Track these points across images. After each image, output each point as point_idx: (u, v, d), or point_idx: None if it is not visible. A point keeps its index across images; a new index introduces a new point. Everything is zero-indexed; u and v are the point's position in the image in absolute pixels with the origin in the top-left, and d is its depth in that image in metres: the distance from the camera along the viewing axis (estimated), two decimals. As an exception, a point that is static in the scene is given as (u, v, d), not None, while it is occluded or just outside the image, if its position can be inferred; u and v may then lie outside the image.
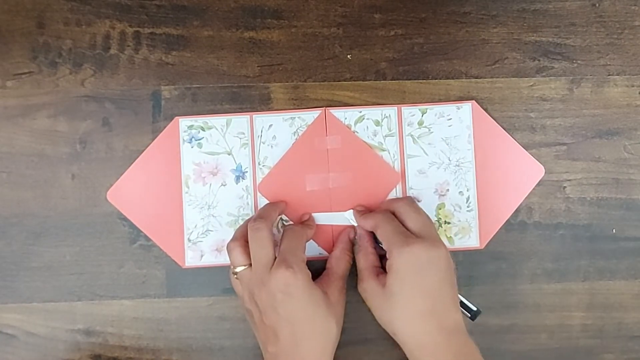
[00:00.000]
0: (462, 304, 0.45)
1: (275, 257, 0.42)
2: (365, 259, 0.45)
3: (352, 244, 0.48)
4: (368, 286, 0.43)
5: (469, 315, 0.45)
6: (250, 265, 0.43)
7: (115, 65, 0.49)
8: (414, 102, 0.50)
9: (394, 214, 0.45)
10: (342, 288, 0.45)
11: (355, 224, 0.48)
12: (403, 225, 0.44)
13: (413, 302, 0.41)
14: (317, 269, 0.46)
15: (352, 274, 0.48)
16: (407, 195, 0.49)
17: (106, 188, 0.48)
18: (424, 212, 0.45)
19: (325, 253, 0.48)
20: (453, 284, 0.42)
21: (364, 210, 0.47)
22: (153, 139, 0.49)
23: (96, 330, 0.48)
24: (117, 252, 0.48)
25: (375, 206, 0.48)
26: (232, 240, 0.44)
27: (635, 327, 0.49)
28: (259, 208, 0.48)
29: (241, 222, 0.48)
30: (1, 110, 0.49)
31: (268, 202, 0.48)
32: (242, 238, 0.44)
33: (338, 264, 0.46)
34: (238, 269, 0.43)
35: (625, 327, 0.49)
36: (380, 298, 0.42)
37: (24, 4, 0.50)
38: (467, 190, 0.49)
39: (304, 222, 0.48)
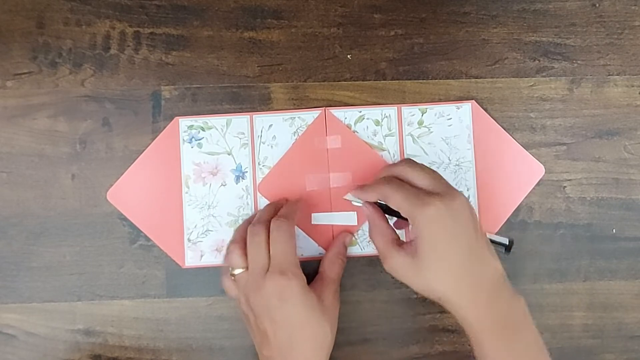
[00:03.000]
0: (493, 242, 0.43)
1: None
2: (383, 236, 0.42)
3: (346, 247, 0.48)
4: (396, 261, 0.41)
5: (503, 249, 0.43)
6: (248, 267, 0.43)
7: (115, 65, 0.49)
8: (414, 102, 0.50)
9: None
10: (335, 292, 0.45)
11: (358, 205, 0.45)
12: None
13: (448, 261, 0.39)
14: (316, 269, 0.47)
15: (350, 274, 0.48)
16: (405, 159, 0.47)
17: (106, 188, 0.48)
18: (427, 166, 0.43)
19: (325, 253, 0.48)
20: (480, 231, 0.40)
21: (363, 185, 0.45)
22: (153, 139, 0.49)
23: (96, 330, 0.48)
24: (117, 252, 0.48)
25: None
26: (232, 242, 0.44)
27: (636, 327, 0.49)
28: (259, 208, 0.48)
29: (241, 222, 0.48)
30: (1, 110, 0.49)
31: (268, 202, 0.48)
32: (242, 240, 0.44)
33: (331, 267, 0.46)
34: (236, 271, 0.43)
35: (626, 327, 0.49)
36: (412, 269, 0.40)
37: (24, 4, 0.50)
38: (467, 190, 0.49)
39: (285, 207, 0.46)
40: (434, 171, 0.42)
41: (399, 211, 0.41)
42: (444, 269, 0.39)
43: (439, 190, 0.40)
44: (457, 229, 0.39)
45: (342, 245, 0.47)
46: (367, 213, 0.44)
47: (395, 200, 0.40)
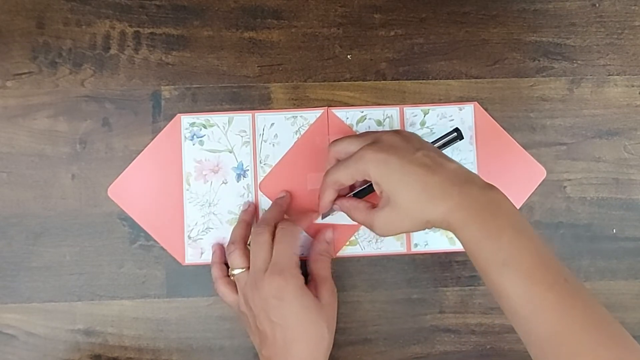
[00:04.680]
0: (445, 144, 0.45)
1: None
2: (359, 210, 0.43)
3: (328, 243, 0.48)
4: (380, 220, 0.41)
5: (458, 141, 0.44)
6: (249, 268, 0.43)
7: (115, 65, 0.49)
8: (414, 102, 0.50)
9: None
10: (331, 289, 0.45)
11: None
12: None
13: (410, 188, 0.39)
14: (317, 269, 0.47)
15: (350, 274, 0.48)
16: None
17: (106, 188, 0.48)
18: (348, 135, 0.44)
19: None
20: (420, 147, 0.41)
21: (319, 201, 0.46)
22: (153, 139, 0.49)
23: (96, 330, 0.48)
24: (117, 252, 0.48)
25: None
26: (231, 242, 0.45)
27: (636, 327, 0.49)
28: (259, 207, 0.48)
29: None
30: (1, 110, 0.49)
31: (270, 201, 0.48)
32: (242, 241, 0.45)
33: (317, 265, 0.46)
34: (236, 272, 0.43)
35: (626, 327, 0.48)
36: (395, 216, 0.40)
37: (24, 4, 0.49)
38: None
39: (281, 199, 0.48)
40: (358, 134, 0.44)
41: (352, 177, 0.42)
42: (413, 196, 0.39)
43: (368, 141, 0.41)
44: (399, 157, 0.39)
45: (323, 242, 0.47)
46: (339, 207, 0.45)
47: (342, 174, 0.42)
